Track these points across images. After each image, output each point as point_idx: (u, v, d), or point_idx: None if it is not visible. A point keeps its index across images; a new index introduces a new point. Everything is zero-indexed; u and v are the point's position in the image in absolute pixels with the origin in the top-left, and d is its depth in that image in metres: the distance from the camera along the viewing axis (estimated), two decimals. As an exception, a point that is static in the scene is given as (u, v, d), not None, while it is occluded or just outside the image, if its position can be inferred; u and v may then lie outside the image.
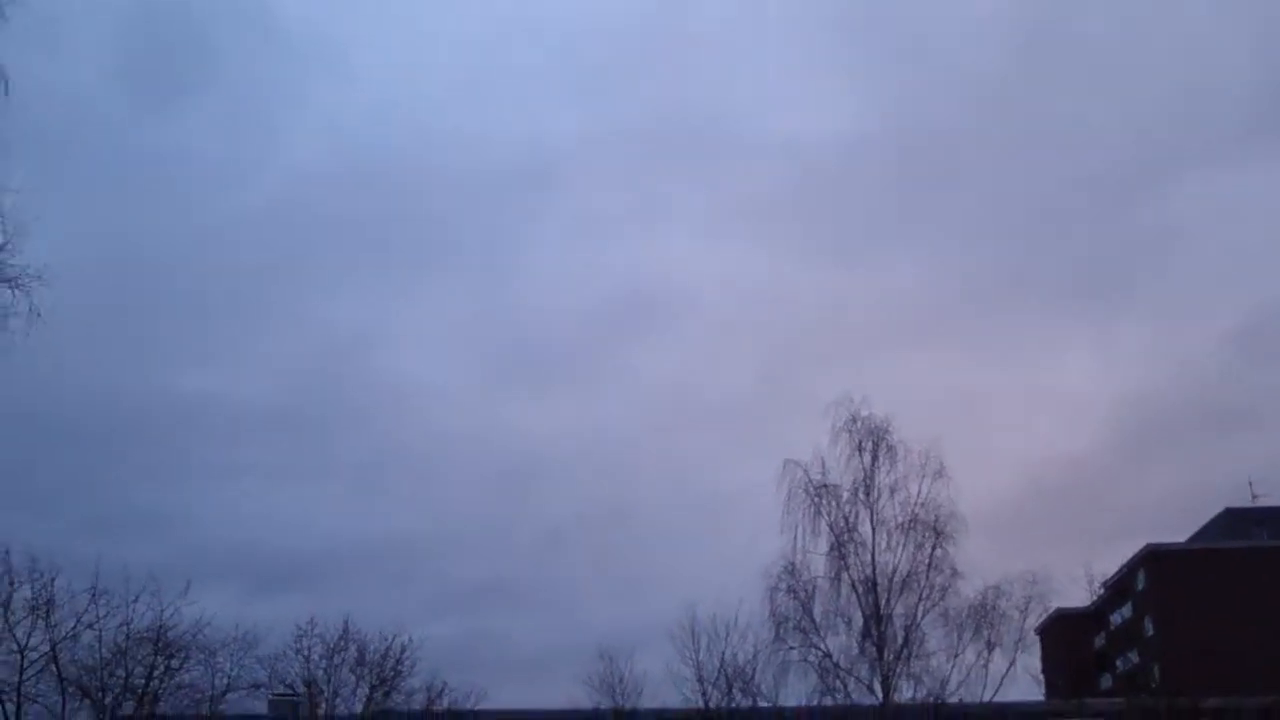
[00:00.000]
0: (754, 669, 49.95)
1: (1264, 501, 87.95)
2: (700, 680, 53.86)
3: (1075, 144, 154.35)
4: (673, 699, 55.37)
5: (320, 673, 53.70)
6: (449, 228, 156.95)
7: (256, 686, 53.84)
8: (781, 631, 41.21)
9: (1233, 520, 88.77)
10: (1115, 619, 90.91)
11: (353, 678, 54.05)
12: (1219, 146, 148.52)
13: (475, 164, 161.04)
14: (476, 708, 56.74)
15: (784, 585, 41.32)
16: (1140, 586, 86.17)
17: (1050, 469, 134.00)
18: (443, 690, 55.17)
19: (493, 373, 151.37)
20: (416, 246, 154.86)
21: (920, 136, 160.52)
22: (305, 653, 53.53)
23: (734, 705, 53.31)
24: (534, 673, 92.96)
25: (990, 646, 40.63)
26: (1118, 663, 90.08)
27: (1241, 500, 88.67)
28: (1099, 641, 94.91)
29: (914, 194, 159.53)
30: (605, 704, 56.65)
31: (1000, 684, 41.04)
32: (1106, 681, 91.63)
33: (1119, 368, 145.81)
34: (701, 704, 54.14)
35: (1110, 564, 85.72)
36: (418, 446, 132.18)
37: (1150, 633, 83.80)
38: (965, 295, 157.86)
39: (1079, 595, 70.06)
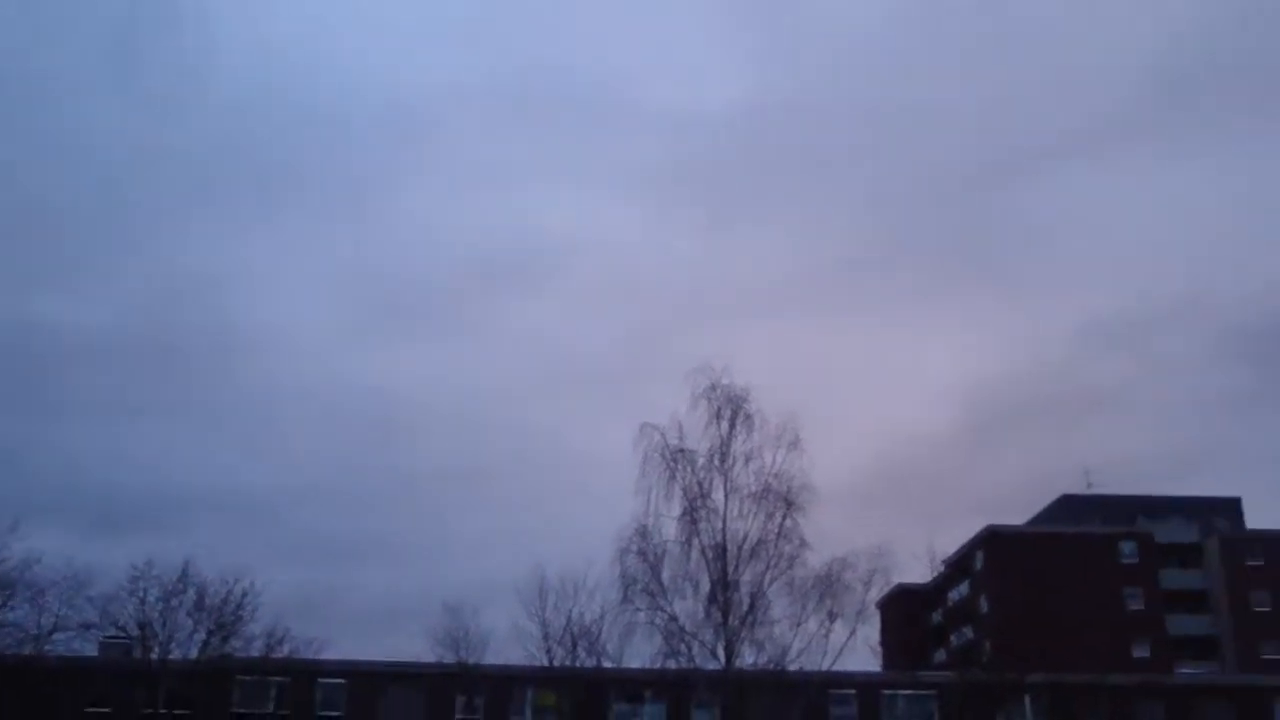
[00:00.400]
0: (600, 629, 50.21)
1: (1099, 489, 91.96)
2: (545, 638, 53.96)
3: (954, 130, 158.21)
4: (517, 656, 55.48)
5: (156, 615, 52.09)
6: (313, 169, 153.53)
7: (87, 628, 52.08)
8: (629, 593, 41.20)
9: (1069, 506, 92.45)
10: (953, 596, 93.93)
11: (190, 622, 52.55)
12: (1094, 143, 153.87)
13: (346, 108, 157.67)
14: (317, 657, 55.87)
15: (635, 548, 41.29)
16: (979, 566, 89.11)
17: (903, 446, 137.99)
18: (283, 638, 54.09)
19: (356, 321, 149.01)
20: (277, 185, 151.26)
21: (803, 113, 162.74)
22: (140, 595, 51.84)
23: (578, 664, 53.50)
24: (380, 625, 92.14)
25: (832, 617, 41.22)
26: (953, 638, 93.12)
27: (1079, 487, 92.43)
28: (937, 617, 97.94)
29: (794, 169, 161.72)
30: (449, 658, 56.35)
31: (840, 654, 41.72)
32: (941, 656, 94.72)
33: (977, 352, 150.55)
34: (545, 661, 54.23)
35: (953, 542, 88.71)
36: (272, 392, 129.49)
37: (985, 610, 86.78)
38: (836, 271, 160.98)
39: (921, 571, 72.06)
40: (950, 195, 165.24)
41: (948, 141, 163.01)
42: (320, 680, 59.19)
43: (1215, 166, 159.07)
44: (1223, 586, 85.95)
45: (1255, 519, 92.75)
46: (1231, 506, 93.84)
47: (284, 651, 54.09)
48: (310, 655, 55.26)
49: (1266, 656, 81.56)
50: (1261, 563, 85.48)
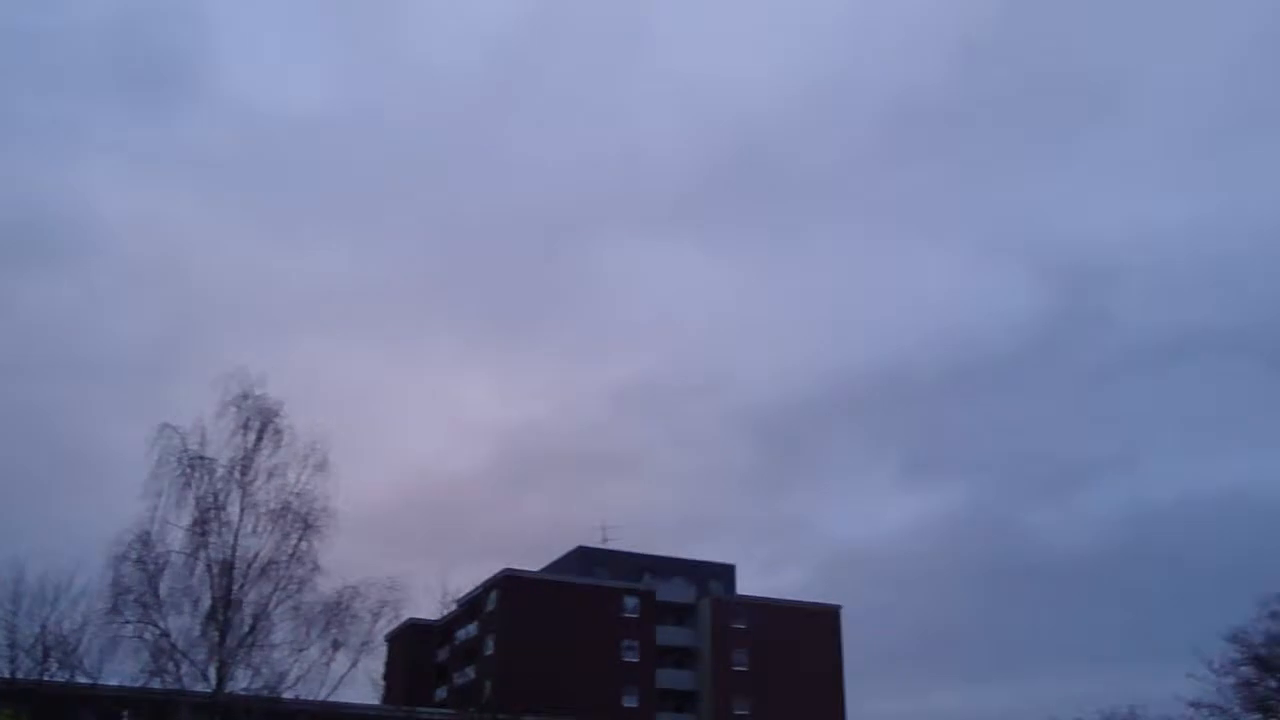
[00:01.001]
0: (79, 640, 45.75)
1: (613, 544, 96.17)
2: (12, 646, 48.54)
3: (538, 181, 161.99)
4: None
5: None
6: None
7: None
8: (120, 604, 37.83)
9: (584, 557, 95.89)
10: (461, 635, 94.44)
11: None
12: (657, 219, 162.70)
13: None
14: None
15: (133, 555, 38.03)
16: (490, 607, 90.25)
17: (433, 482, 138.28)
18: None
19: None
20: None
21: (381, 133, 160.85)
22: None
23: (49, 677, 48.49)
24: None
25: (336, 645, 39.91)
26: (456, 676, 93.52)
27: (595, 541, 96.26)
28: (443, 654, 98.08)
29: (367, 187, 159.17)
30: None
31: (339, 684, 40.44)
32: (443, 693, 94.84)
33: (518, 400, 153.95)
34: (7, 672, 48.73)
35: (469, 582, 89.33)
36: None
37: (490, 651, 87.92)
38: (392, 297, 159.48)
39: (432, 607, 71.96)
40: (521, 241, 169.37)
41: (529, 190, 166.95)
42: None
43: (750, 260, 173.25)
44: (709, 645, 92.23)
45: (745, 585, 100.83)
46: (727, 572, 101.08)
47: None
48: None
49: (739, 712, 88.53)
50: (744, 626, 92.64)
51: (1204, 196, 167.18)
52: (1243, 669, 49.17)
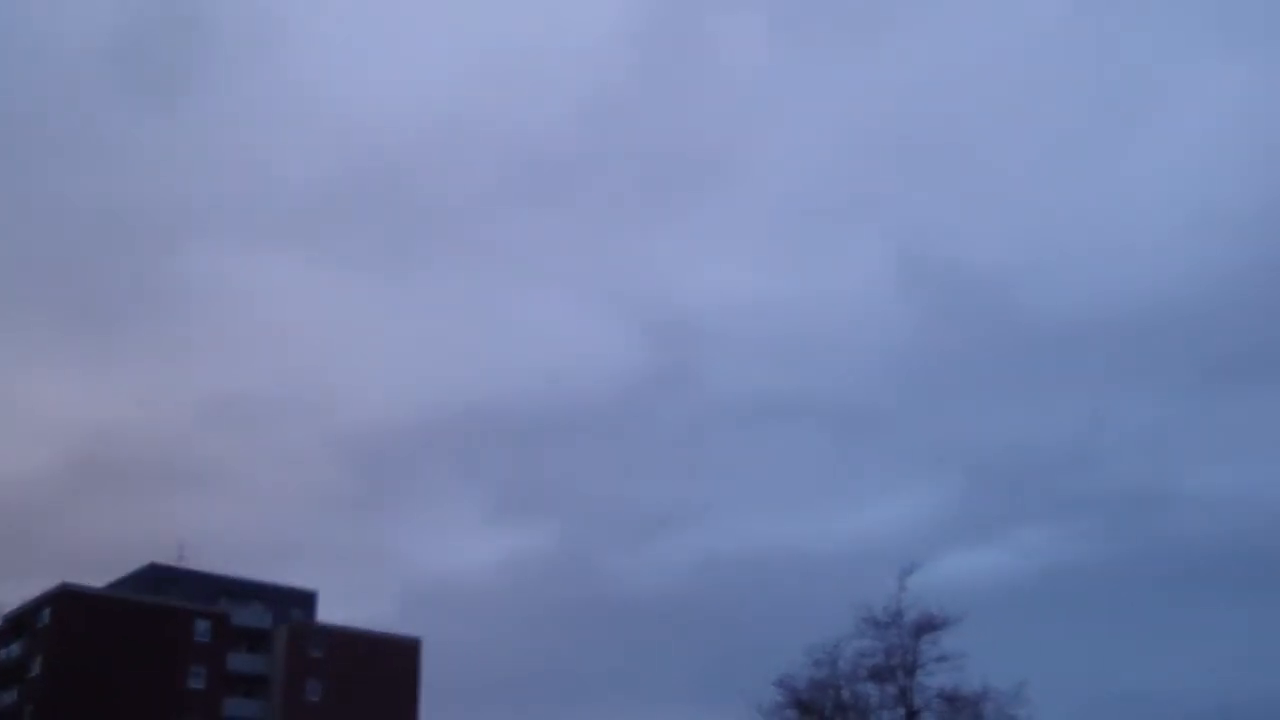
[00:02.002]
0: None
1: (190, 564, 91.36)
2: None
3: (141, 175, 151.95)
4: None
5: None
6: None
7: None
8: None
9: (156, 575, 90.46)
10: (4, 654, 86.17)
11: None
12: (268, 227, 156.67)
13: None
14: None
15: None
16: (42, 624, 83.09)
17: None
18: None
19: None
20: None
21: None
22: None
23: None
24: None
25: None
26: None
27: (171, 558, 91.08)
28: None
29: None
30: None
31: None
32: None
33: (97, 403, 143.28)
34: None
35: (21, 597, 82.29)
36: None
37: (36, 672, 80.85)
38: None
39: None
40: (121, 237, 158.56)
41: (136, 186, 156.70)
42: None
43: (365, 285, 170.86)
44: (284, 673, 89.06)
45: (327, 613, 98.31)
46: (309, 599, 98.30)
47: None
48: None
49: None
50: (321, 654, 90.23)
51: (791, 272, 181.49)
52: (787, 712, 53.25)
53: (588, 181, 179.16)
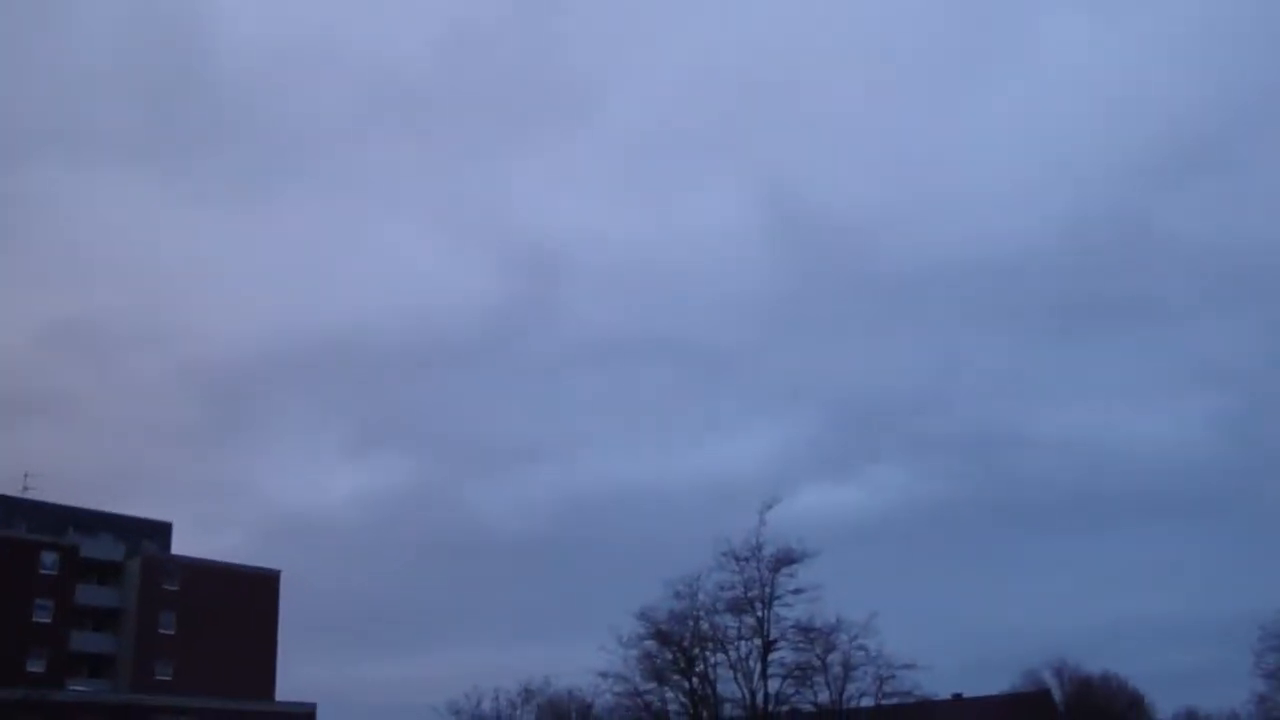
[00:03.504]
0: None
1: (35, 494, 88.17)
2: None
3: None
4: None
5: None
6: None
7: None
8: None
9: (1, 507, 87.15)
10: None
11: None
12: (115, 146, 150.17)
13: None
14: None
15: None
16: None
17: None
18: None
19: None
20: None
21: None
22: None
23: None
24: None
25: None
26: None
27: (14, 490, 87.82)
28: None
29: None
30: None
31: None
32: None
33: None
34: None
35: None
36: None
37: None
38: None
39: None
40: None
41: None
42: None
43: (218, 211, 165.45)
44: (136, 606, 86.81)
45: (182, 545, 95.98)
46: (163, 530, 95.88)
47: None
48: None
49: (160, 677, 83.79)
50: (176, 587, 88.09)
51: (651, 209, 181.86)
52: (646, 643, 54.16)
53: (447, 112, 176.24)
